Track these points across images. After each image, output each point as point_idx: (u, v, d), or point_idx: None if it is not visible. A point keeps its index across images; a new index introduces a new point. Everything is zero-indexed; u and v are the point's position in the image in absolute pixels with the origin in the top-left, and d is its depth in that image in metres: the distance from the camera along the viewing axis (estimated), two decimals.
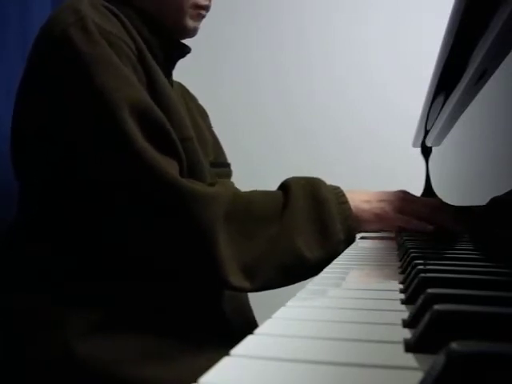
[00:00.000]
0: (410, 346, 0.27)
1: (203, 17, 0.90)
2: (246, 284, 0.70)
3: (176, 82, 0.98)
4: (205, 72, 1.81)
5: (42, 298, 0.72)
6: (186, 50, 0.93)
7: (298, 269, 0.73)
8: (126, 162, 0.69)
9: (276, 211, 0.74)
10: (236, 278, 0.69)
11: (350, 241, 0.79)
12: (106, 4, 0.76)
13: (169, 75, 0.91)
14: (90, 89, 0.69)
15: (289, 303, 0.37)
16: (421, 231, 0.82)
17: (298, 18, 1.87)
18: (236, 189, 0.79)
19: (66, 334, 0.69)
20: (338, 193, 0.79)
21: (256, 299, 0.97)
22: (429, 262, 0.49)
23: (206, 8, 0.90)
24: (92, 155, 0.71)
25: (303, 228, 0.74)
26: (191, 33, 0.91)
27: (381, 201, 0.81)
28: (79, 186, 0.73)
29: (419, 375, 0.22)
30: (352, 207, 0.79)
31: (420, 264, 0.46)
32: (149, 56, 0.78)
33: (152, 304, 0.75)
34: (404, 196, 0.84)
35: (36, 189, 0.78)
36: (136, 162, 0.68)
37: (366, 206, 0.80)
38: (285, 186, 0.79)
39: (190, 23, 0.88)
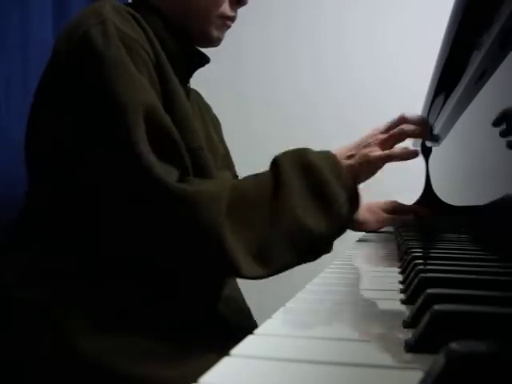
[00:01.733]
0: (409, 346, 0.27)
1: (228, 27, 0.90)
2: (260, 271, 0.70)
3: (192, 89, 0.98)
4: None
5: (43, 297, 0.72)
6: (205, 60, 0.93)
7: (306, 240, 0.71)
8: (125, 164, 0.69)
9: (271, 192, 0.74)
10: (249, 268, 0.69)
11: (352, 199, 0.77)
12: (129, 9, 0.77)
13: (186, 83, 0.91)
14: (104, 90, 0.69)
15: (289, 303, 0.37)
16: (405, 157, 0.84)
17: (311, 17, 1.87)
18: (231, 181, 0.79)
19: (68, 333, 0.69)
20: (327, 155, 0.79)
21: (256, 299, 0.97)
22: (429, 261, 0.49)
23: (232, 19, 0.89)
24: (95, 155, 0.71)
25: (300, 200, 0.73)
26: (215, 42, 0.90)
27: (359, 147, 0.82)
28: (82, 186, 0.73)
29: (419, 375, 0.22)
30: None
31: (420, 264, 0.46)
32: (166, 64, 0.78)
33: (153, 304, 0.75)
34: (372, 132, 0.85)
35: (43, 188, 0.78)
36: (134, 165, 0.68)
37: (351, 162, 0.80)
38: (274, 163, 0.79)
39: (215, 33, 0.88)
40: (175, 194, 0.68)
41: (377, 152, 0.82)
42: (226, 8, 0.86)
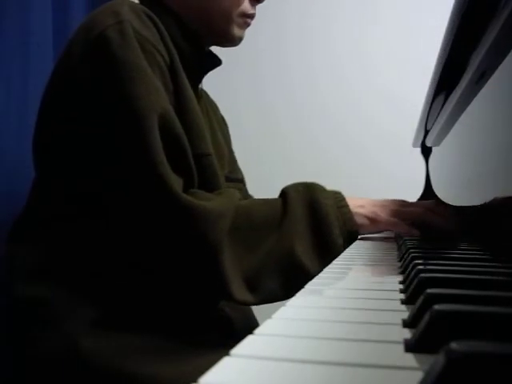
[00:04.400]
0: (410, 346, 0.27)
1: (248, 25, 0.90)
2: (249, 297, 0.71)
3: (202, 90, 0.98)
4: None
5: (45, 296, 0.72)
6: (217, 62, 0.93)
7: (298, 278, 0.73)
8: (142, 175, 0.69)
9: (275, 222, 0.75)
10: (240, 292, 0.70)
11: (350, 244, 0.79)
12: (146, 10, 0.76)
13: (197, 85, 0.91)
14: (120, 93, 0.69)
15: (289, 303, 0.37)
16: (408, 235, 0.83)
17: (301, 17, 1.87)
18: (239, 199, 0.78)
19: (69, 332, 0.69)
20: (337, 197, 0.80)
21: None
22: (429, 261, 0.49)
23: (252, 16, 0.90)
24: (108, 161, 0.71)
25: (302, 237, 0.75)
26: (237, 42, 0.91)
27: (374, 205, 0.83)
28: (90, 186, 0.73)
29: (419, 375, 0.22)
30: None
31: (420, 264, 0.46)
32: (180, 67, 0.78)
33: (154, 303, 0.75)
34: (397, 201, 0.86)
35: (48, 185, 0.78)
36: (151, 177, 0.68)
37: (360, 210, 0.81)
38: (283, 194, 0.79)
39: (237, 32, 0.88)
40: (183, 205, 0.69)
41: (386, 216, 0.82)
42: (246, 6, 0.87)
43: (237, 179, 1.04)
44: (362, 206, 0.82)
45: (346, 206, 0.79)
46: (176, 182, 0.70)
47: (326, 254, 0.75)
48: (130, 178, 0.70)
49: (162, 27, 0.77)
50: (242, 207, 0.75)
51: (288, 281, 0.72)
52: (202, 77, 0.93)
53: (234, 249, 0.71)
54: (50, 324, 0.71)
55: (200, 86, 0.93)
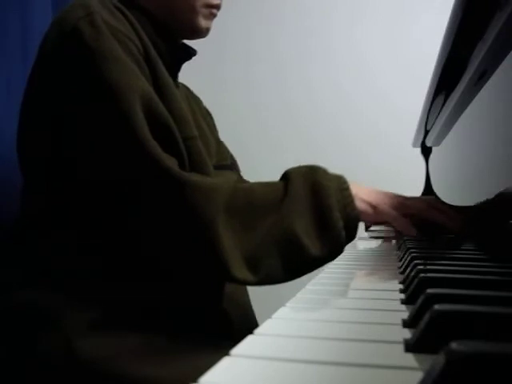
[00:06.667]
0: (410, 346, 0.27)
1: (215, 16, 0.90)
2: (249, 276, 0.69)
3: (181, 83, 0.98)
4: (203, 71, 1.81)
5: (43, 298, 0.72)
6: (191, 53, 0.93)
7: (298, 258, 0.71)
8: (132, 155, 0.69)
9: (275, 201, 0.74)
10: (239, 271, 0.69)
11: (350, 228, 0.77)
12: (116, 3, 0.77)
13: (174, 77, 0.91)
14: (99, 82, 0.69)
15: (289, 303, 0.37)
16: (405, 232, 0.83)
17: (299, 17, 1.87)
18: (237, 181, 0.78)
19: (67, 333, 0.69)
20: (340, 180, 0.79)
21: (256, 299, 0.97)
22: (429, 262, 0.49)
23: (218, 7, 0.89)
24: (98, 146, 0.71)
25: (302, 217, 0.73)
26: (204, 33, 0.90)
27: (378, 194, 0.83)
28: (83, 178, 0.73)
29: (419, 375, 0.22)
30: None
31: (420, 264, 0.46)
32: (154, 55, 0.78)
33: (153, 303, 0.75)
34: (400, 195, 0.86)
35: (40, 184, 0.78)
36: (141, 156, 0.68)
37: (362, 196, 0.81)
38: (286, 175, 0.79)
39: (203, 23, 0.88)
40: (177, 180, 0.68)
41: (388, 207, 0.82)
42: None
43: (226, 166, 1.03)
44: (365, 193, 0.82)
45: (348, 189, 0.78)
46: (168, 159, 0.70)
47: (327, 235, 0.74)
48: (121, 162, 0.70)
49: (133, 18, 0.78)
50: (241, 187, 0.74)
51: (288, 261, 0.71)
52: (178, 68, 0.93)
53: (232, 226, 0.70)
54: (48, 326, 0.71)
55: (176, 79, 0.93)
